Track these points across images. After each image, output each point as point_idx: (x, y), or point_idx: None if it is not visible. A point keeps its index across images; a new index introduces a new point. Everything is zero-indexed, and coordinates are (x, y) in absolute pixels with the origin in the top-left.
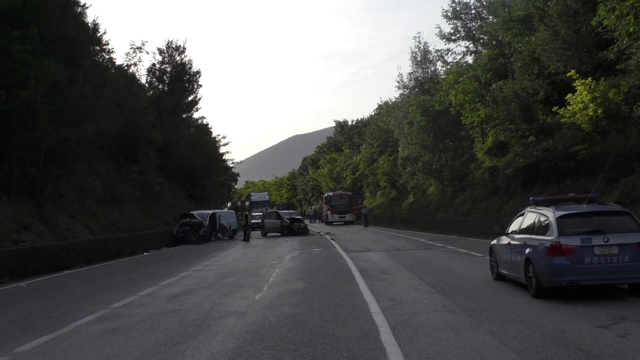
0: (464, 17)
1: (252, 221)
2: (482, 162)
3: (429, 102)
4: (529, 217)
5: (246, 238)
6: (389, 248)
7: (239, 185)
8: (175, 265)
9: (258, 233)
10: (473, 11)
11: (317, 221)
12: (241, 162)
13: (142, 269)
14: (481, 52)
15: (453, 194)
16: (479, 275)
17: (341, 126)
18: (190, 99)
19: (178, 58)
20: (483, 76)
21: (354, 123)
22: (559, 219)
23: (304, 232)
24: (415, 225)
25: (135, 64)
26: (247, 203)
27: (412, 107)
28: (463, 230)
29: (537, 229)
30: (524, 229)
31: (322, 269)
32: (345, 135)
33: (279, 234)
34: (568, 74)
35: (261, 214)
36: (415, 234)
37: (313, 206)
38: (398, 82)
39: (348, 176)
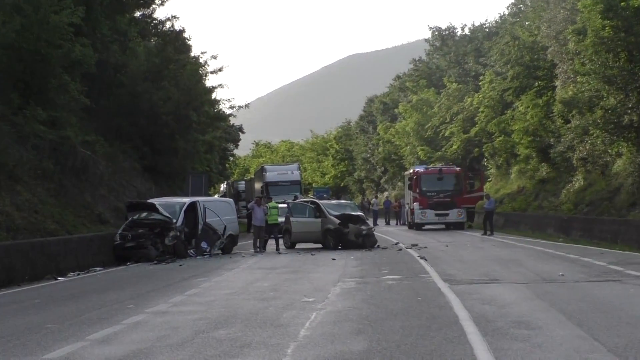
0: None
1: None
2: None
3: None
4: None
5: (261, 246)
6: (534, 277)
7: (243, 150)
8: (117, 303)
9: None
10: None
11: (394, 221)
12: (247, 106)
13: (52, 309)
14: None
15: None
16: None
17: (441, 37)
18: None
19: None
20: None
21: (465, 32)
22: None
23: (366, 242)
24: (588, 233)
25: None
26: (259, 185)
27: (585, 1)
28: None
29: None
30: None
31: (401, 315)
32: (448, 57)
33: (320, 245)
34: None
35: (285, 206)
36: (587, 250)
37: (386, 193)
38: None
39: (455, 135)
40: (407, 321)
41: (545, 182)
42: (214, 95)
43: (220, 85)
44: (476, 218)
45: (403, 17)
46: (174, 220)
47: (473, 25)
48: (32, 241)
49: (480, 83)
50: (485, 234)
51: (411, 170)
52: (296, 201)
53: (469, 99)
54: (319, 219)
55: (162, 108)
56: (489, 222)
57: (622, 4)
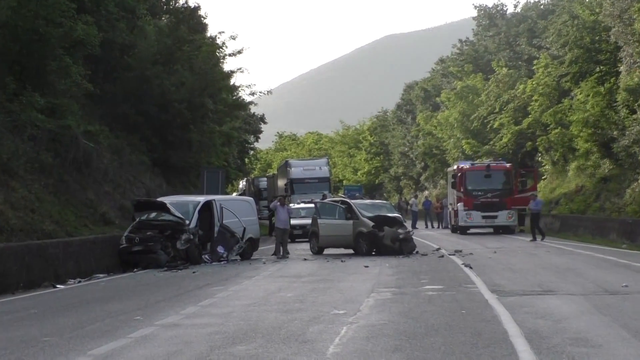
0: None
1: (294, 221)
2: None
3: None
4: None
5: (283, 252)
6: (594, 288)
7: (265, 142)
8: (123, 314)
9: (304, 246)
10: None
11: (435, 224)
12: (269, 92)
13: (50, 320)
14: None
15: None
16: None
17: (488, 16)
18: None
19: None
20: None
21: (517, 10)
22: None
23: (404, 247)
24: None
25: None
26: (282, 183)
27: None
28: None
29: None
30: None
31: (443, 331)
32: (497, 38)
33: (351, 251)
34: None
35: (312, 206)
36: None
37: (426, 192)
38: None
39: (505, 127)
40: (450, 337)
41: (608, 181)
42: (232, 81)
43: (240, 69)
44: (527, 221)
45: None
46: (187, 222)
47: (527, 2)
48: (28, 244)
49: (534, 68)
50: (534, 239)
51: (455, 167)
52: (325, 201)
53: (521, 86)
54: (350, 221)
55: (175, 95)
56: (536, 225)
57: None
